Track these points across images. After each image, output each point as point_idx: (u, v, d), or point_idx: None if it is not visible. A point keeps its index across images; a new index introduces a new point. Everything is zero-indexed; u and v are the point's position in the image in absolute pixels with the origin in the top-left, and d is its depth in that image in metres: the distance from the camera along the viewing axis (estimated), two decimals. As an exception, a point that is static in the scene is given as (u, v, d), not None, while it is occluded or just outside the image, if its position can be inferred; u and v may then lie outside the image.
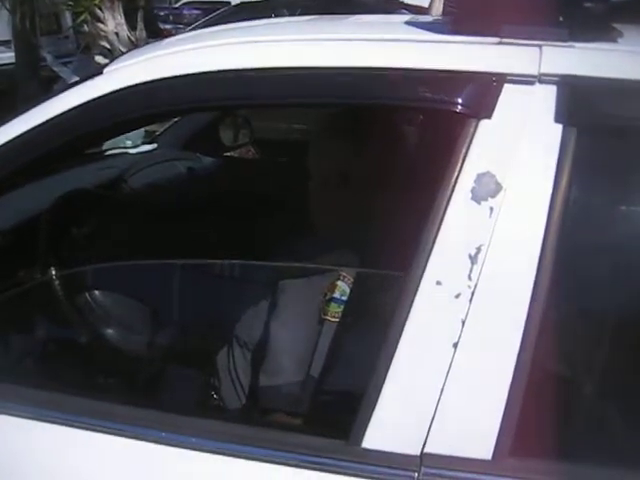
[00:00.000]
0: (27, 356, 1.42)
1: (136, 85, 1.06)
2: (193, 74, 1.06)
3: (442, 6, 1.30)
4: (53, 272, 1.45)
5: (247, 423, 1.06)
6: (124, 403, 1.07)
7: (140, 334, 1.54)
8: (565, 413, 0.88)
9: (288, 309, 1.27)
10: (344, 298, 1.21)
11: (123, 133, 1.84)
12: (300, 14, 6.57)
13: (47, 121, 1.09)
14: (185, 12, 12.67)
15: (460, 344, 0.87)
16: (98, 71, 1.14)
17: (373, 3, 8.53)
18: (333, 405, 1.16)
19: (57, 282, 1.45)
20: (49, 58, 6.70)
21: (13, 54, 7.29)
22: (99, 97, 1.07)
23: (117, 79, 1.09)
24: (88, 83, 1.12)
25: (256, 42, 1.13)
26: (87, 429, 1.00)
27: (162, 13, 11.28)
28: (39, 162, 1.15)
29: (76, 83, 1.17)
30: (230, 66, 1.06)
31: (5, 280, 1.40)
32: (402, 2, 9.73)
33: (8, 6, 5.17)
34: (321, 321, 1.21)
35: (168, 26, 9.72)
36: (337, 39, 1.10)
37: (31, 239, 1.51)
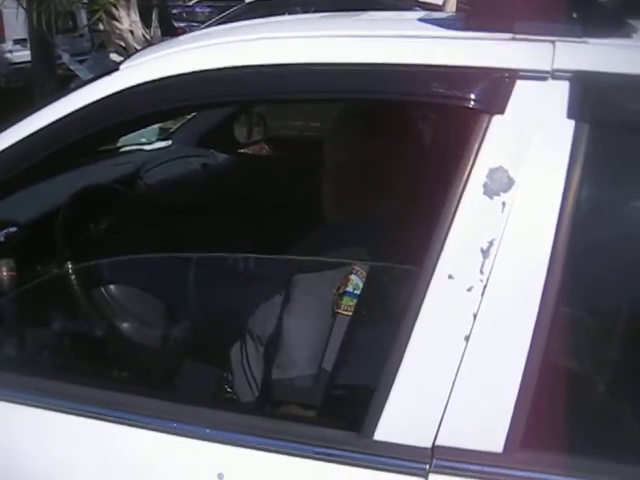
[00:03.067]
0: (42, 348, 1.43)
1: (152, 81, 1.07)
2: (207, 70, 1.07)
3: (456, 3, 1.30)
4: (69, 266, 1.47)
5: (259, 415, 1.07)
6: (137, 394, 1.09)
7: (154, 328, 1.56)
8: (575, 406, 0.89)
9: (301, 303, 1.27)
10: (357, 292, 1.22)
11: (139, 129, 1.85)
12: (314, 12, 6.57)
13: (64, 117, 1.11)
14: (198, 10, 12.69)
15: (472, 337, 0.88)
16: (114, 67, 1.16)
17: (387, 1, 8.52)
18: (345, 397, 1.17)
19: (73, 276, 1.46)
20: (65, 56, 6.74)
21: (29, 52, 7.34)
22: (115, 93, 1.09)
23: (133, 75, 1.10)
24: (105, 79, 1.13)
25: (270, 39, 1.14)
26: (100, 419, 1.02)
27: (176, 11, 11.30)
28: (56, 157, 1.17)
29: (93, 79, 1.19)
30: (245, 62, 1.07)
31: (23, 274, 1.42)
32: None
33: (24, 5, 5.19)
34: (334, 314, 1.21)
35: (182, 24, 9.75)
36: (351, 35, 1.11)
37: (48, 233, 1.53)
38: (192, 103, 1.19)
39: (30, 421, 1.07)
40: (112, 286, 1.52)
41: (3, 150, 1.14)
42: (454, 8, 1.33)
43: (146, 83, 1.08)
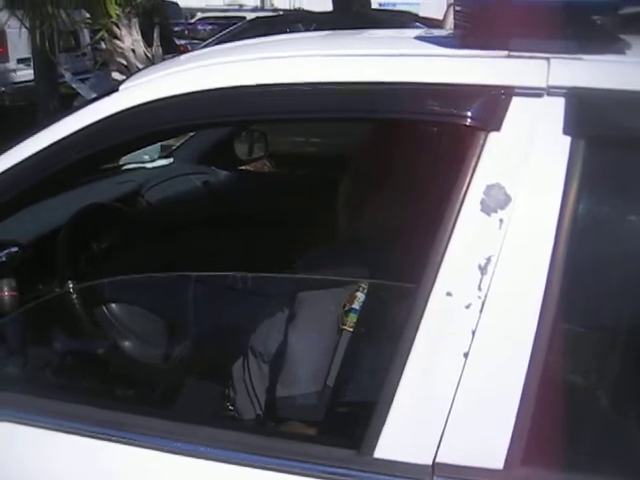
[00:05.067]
0: (43, 367, 1.43)
1: (151, 102, 1.08)
2: (207, 90, 1.08)
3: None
4: (71, 285, 1.48)
5: (260, 433, 1.07)
6: (139, 413, 1.09)
7: (156, 346, 1.56)
8: (576, 422, 0.89)
9: (306, 320, 1.27)
10: None
11: (139, 149, 1.86)
12: (315, 29, 6.62)
13: (64, 138, 1.12)
14: (200, 27, 12.80)
15: (471, 354, 0.88)
16: (114, 88, 1.17)
17: (387, 17, 8.59)
18: (346, 415, 1.17)
19: (75, 295, 1.47)
20: (67, 75, 6.76)
21: (32, 71, 7.40)
22: (115, 114, 1.09)
23: (132, 96, 1.11)
24: (104, 100, 1.14)
25: (270, 58, 1.15)
26: (101, 439, 1.01)
27: (177, 29, 11.38)
28: (57, 177, 1.17)
29: (93, 100, 1.20)
30: (245, 82, 1.07)
31: (24, 293, 1.42)
32: (416, 15, 9.79)
33: (27, 24, 5.23)
34: (339, 331, 1.22)
35: (183, 41, 9.82)
36: (349, 54, 1.12)
37: (50, 253, 1.53)
38: (192, 123, 1.20)
39: (33, 442, 1.07)
40: (114, 305, 1.52)
41: (6, 170, 1.15)
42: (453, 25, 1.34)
43: (145, 104, 1.09)
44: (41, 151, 1.12)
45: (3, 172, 1.15)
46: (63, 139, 1.11)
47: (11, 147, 1.17)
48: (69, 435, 1.04)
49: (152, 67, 1.41)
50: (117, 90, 1.15)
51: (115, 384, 1.45)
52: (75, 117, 1.13)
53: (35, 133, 1.16)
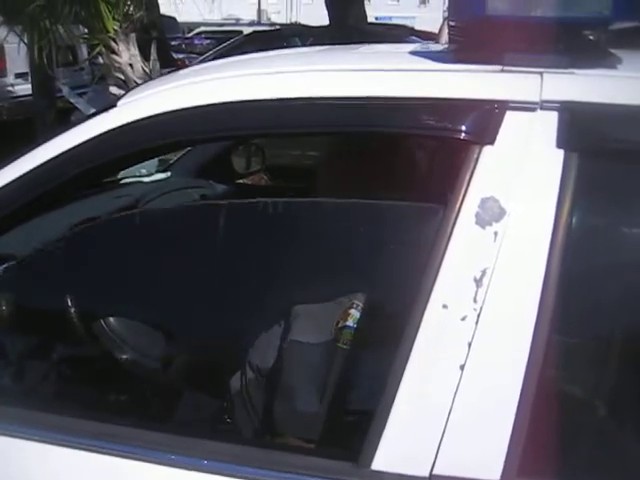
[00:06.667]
0: (42, 381, 1.43)
1: (149, 117, 1.09)
2: (205, 105, 1.08)
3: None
4: (69, 299, 1.48)
5: (258, 446, 1.07)
6: (136, 426, 1.09)
7: (154, 359, 1.56)
8: (572, 433, 0.89)
9: (301, 334, 1.28)
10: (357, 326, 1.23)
11: (137, 164, 1.87)
12: (311, 44, 6.66)
13: (63, 153, 1.12)
14: (197, 42, 12.87)
15: (467, 366, 0.89)
16: (112, 104, 1.18)
17: (383, 31, 8.64)
18: (344, 427, 1.17)
19: (72, 309, 1.47)
20: (65, 89, 6.77)
21: (30, 86, 7.43)
22: (112, 129, 1.10)
23: (130, 112, 1.12)
24: (103, 115, 1.15)
25: (266, 73, 1.16)
26: (98, 452, 1.01)
27: (175, 43, 11.43)
28: (56, 192, 1.18)
29: (91, 116, 1.21)
30: (241, 97, 1.08)
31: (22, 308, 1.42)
32: (412, 29, 9.86)
33: (26, 40, 5.25)
34: (334, 348, 1.22)
35: (181, 55, 9.87)
36: (345, 69, 1.13)
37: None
38: (189, 138, 1.21)
39: (30, 456, 1.07)
40: (111, 318, 1.52)
41: (5, 185, 1.15)
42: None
43: (144, 119, 1.10)
44: (40, 166, 1.13)
45: (2, 187, 1.15)
46: (62, 154, 1.12)
47: (10, 162, 1.18)
48: (66, 449, 1.04)
49: (150, 82, 1.41)
50: (115, 106, 1.16)
51: (111, 397, 1.45)
52: (74, 133, 1.14)
53: (34, 148, 1.16)
